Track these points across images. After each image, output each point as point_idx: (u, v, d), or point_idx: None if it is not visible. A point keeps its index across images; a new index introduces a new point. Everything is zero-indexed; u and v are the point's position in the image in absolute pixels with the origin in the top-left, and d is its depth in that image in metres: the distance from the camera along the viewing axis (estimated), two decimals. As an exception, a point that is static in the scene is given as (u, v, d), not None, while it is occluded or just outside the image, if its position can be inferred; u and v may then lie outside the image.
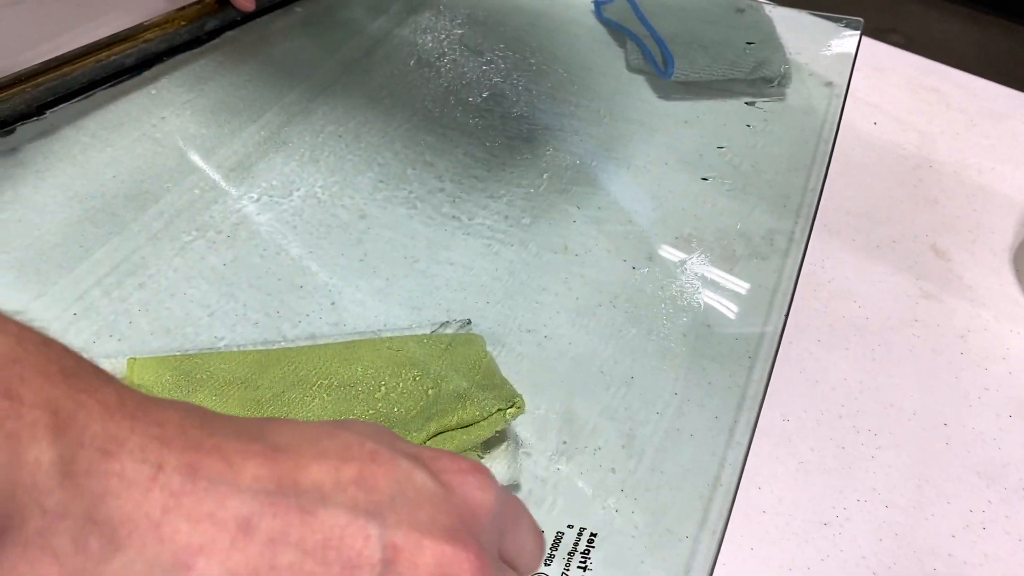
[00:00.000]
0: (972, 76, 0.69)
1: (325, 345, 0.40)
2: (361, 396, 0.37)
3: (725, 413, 0.42)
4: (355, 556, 0.18)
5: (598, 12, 0.69)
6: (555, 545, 0.36)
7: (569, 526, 0.36)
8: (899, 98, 0.66)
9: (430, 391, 0.37)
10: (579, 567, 0.35)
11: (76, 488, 0.16)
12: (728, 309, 0.47)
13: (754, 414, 0.41)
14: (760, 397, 0.42)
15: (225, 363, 0.38)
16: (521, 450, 0.38)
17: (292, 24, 0.63)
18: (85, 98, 0.52)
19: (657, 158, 0.56)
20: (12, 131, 0.49)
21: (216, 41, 0.59)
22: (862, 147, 0.61)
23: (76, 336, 0.41)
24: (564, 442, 0.40)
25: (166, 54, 0.56)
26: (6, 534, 0.15)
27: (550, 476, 0.38)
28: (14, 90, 0.49)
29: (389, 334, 0.42)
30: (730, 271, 0.49)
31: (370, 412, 0.36)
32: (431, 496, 0.20)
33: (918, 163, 0.60)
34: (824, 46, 0.65)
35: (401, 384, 0.38)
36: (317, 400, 0.37)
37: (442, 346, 0.40)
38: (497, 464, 0.37)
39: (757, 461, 0.40)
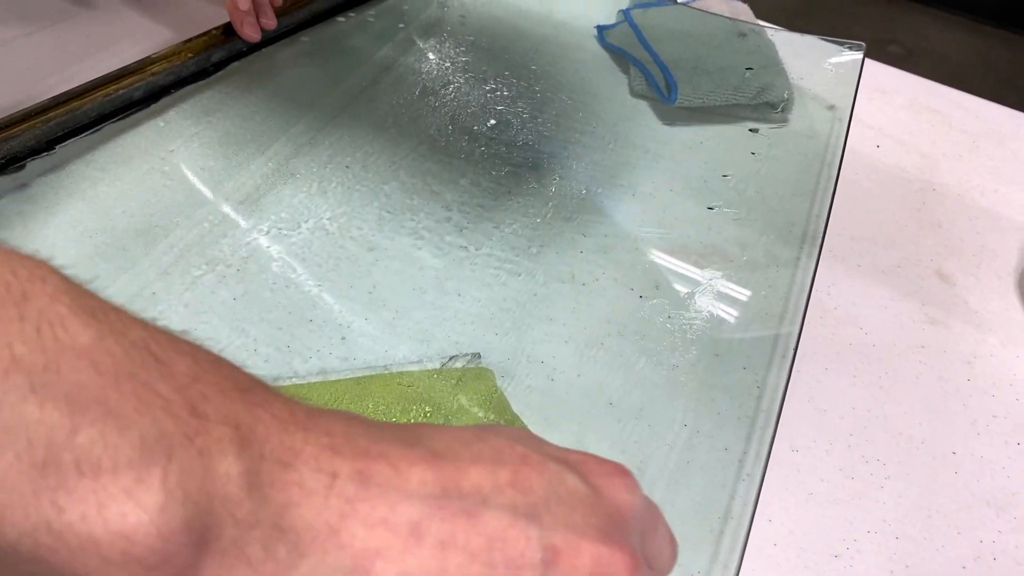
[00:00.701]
0: (974, 97, 0.69)
1: (336, 381, 0.40)
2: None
3: (735, 444, 0.42)
4: (518, 557, 0.19)
5: (601, 38, 0.69)
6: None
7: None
8: (902, 120, 0.66)
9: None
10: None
11: (262, 499, 0.18)
12: (736, 338, 0.47)
13: (765, 446, 0.41)
14: (771, 428, 0.42)
15: (237, 401, 0.38)
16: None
17: (298, 54, 0.63)
18: (94, 132, 0.53)
19: (663, 185, 0.56)
20: (23, 167, 0.49)
21: (223, 72, 0.60)
22: (866, 171, 0.61)
23: (88, 374, 0.41)
24: (575, 476, 0.40)
25: (174, 86, 0.57)
26: (207, 545, 0.16)
27: (562, 511, 0.38)
28: (24, 125, 0.49)
29: (399, 368, 0.42)
30: (737, 300, 0.49)
31: (382, 450, 0.37)
32: (583, 498, 0.21)
33: (922, 186, 0.60)
34: (826, 70, 0.66)
35: (412, 421, 0.38)
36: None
37: (453, 381, 0.40)
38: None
39: (767, 493, 0.40)
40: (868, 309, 0.51)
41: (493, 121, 0.60)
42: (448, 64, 0.64)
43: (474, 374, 0.41)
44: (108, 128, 0.53)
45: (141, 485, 0.16)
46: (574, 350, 0.45)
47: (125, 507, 0.16)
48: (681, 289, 0.49)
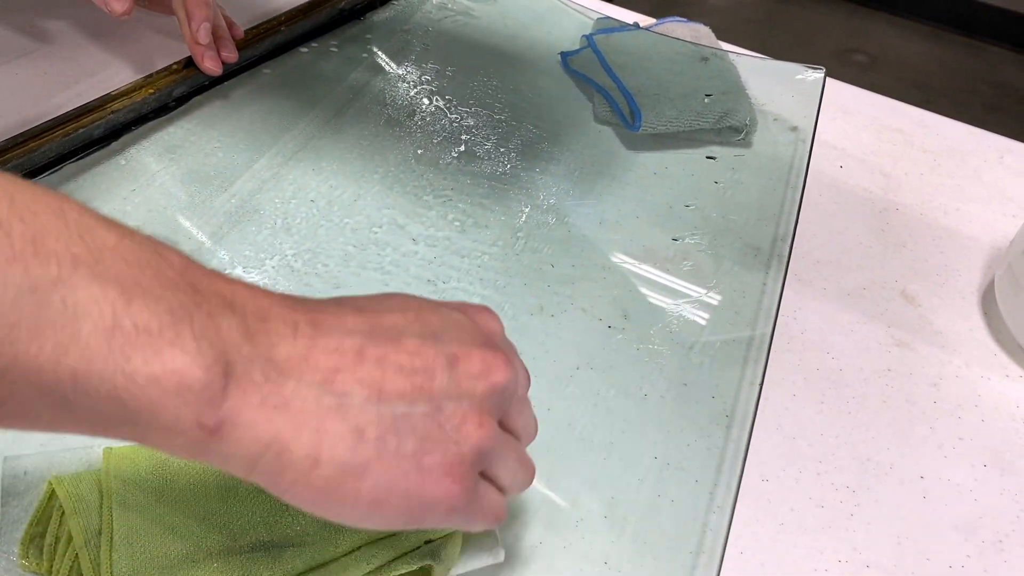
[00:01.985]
0: (935, 115, 0.70)
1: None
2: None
3: (705, 476, 0.42)
4: (430, 363, 0.28)
5: (564, 64, 0.69)
6: (540, 625, 0.35)
7: (554, 604, 0.36)
8: (864, 140, 0.67)
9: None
10: (565, 647, 0.35)
11: (254, 342, 0.25)
12: (704, 366, 0.47)
13: (735, 477, 0.42)
14: (741, 459, 0.42)
15: (202, 449, 0.38)
16: (500, 527, 0.38)
17: (261, 86, 0.63)
18: (53, 172, 0.52)
19: (629, 213, 0.57)
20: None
21: (184, 107, 0.59)
22: (829, 192, 0.62)
23: (49, 424, 0.40)
24: (546, 514, 0.40)
25: (135, 123, 0.56)
26: (228, 375, 0.24)
27: (533, 552, 0.38)
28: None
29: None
30: (704, 328, 0.49)
31: (350, 496, 0.36)
32: (466, 325, 0.30)
33: (885, 206, 0.61)
34: (788, 92, 0.66)
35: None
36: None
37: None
38: (479, 546, 0.37)
39: (738, 524, 0.40)
40: (835, 334, 0.51)
41: (459, 151, 0.60)
42: (412, 94, 0.64)
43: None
44: (68, 168, 0.53)
45: (180, 338, 0.23)
46: (543, 384, 0.45)
47: (173, 353, 0.23)
48: (649, 319, 0.49)
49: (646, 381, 0.46)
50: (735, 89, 0.64)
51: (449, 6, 0.75)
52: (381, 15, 0.73)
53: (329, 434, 0.26)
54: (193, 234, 0.51)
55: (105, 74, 0.61)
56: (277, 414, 0.25)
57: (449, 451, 0.28)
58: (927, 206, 0.61)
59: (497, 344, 0.31)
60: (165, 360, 0.23)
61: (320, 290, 0.48)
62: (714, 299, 0.51)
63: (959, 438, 0.46)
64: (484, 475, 0.30)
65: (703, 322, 0.50)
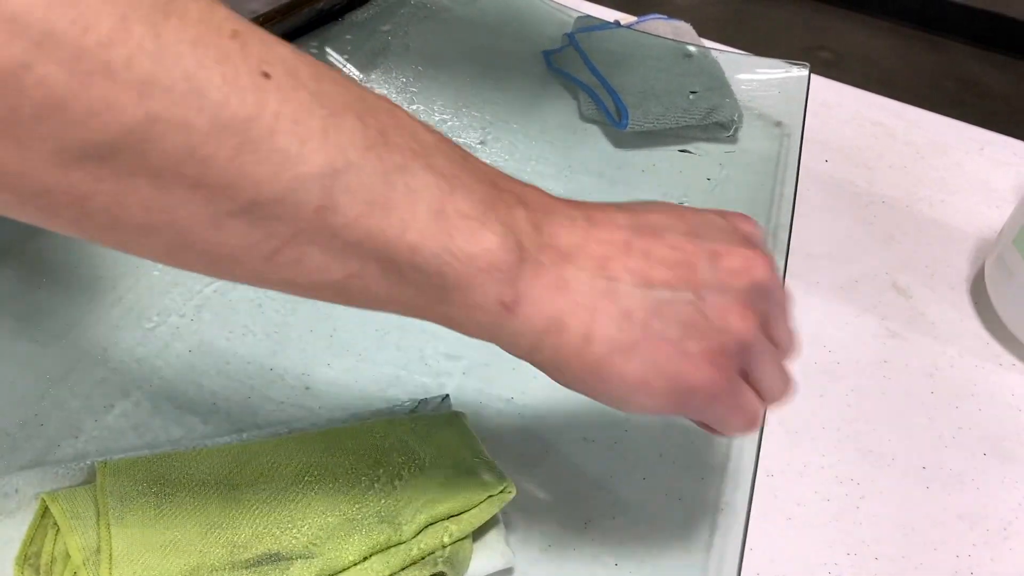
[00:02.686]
0: (915, 108, 0.71)
1: (303, 435, 0.39)
2: (346, 489, 0.36)
3: (710, 473, 0.42)
4: (691, 257, 0.30)
5: (547, 62, 0.69)
6: (555, 629, 0.35)
7: (567, 608, 0.36)
8: (847, 134, 0.67)
9: (417, 480, 0.36)
10: (581, 651, 0.34)
11: (540, 232, 0.28)
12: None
13: (742, 473, 0.41)
14: (752, 455, 0.42)
15: (200, 462, 0.37)
16: (510, 531, 0.38)
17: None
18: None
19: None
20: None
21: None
22: (816, 187, 0.62)
23: (38, 439, 0.39)
24: (553, 516, 0.39)
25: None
26: (522, 258, 0.27)
27: (541, 556, 0.38)
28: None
29: (370, 415, 0.41)
30: (702, 324, 0.49)
31: (356, 506, 0.35)
32: (725, 226, 0.32)
33: (871, 200, 0.61)
34: (772, 88, 0.66)
35: (385, 474, 0.37)
36: (300, 495, 0.36)
37: (425, 429, 0.39)
38: (490, 551, 0.36)
39: (752, 523, 0.40)
40: (830, 327, 0.51)
41: (446, 152, 0.59)
42: (395, 95, 0.63)
43: (445, 420, 0.40)
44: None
45: (489, 223, 0.27)
46: (542, 385, 0.45)
47: (485, 235, 0.27)
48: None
49: (646, 379, 0.46)
50: (720, 85, 0.64)
51: (428, 5, 0.74)
52: (360, 15, 0.72)
53: (601, 314, 0.28)
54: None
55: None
56: (559, 294, 0.28)
57: (712, 339, 0.29)
58: (912, 198, 0.62)
59: (757, 245, 0.32)
60: (480, 241, 0.27)
61: (317, 302, 0.47)
62: (709, 295, 0.51)
63: (958, 427, 0.46)
64: (743, 376, 0.31)
65: (700, 318, 0.49)
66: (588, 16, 0.73)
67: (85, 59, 0.20)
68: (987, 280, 0.53)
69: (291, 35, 0.67)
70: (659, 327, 0.29)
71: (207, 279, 0.47)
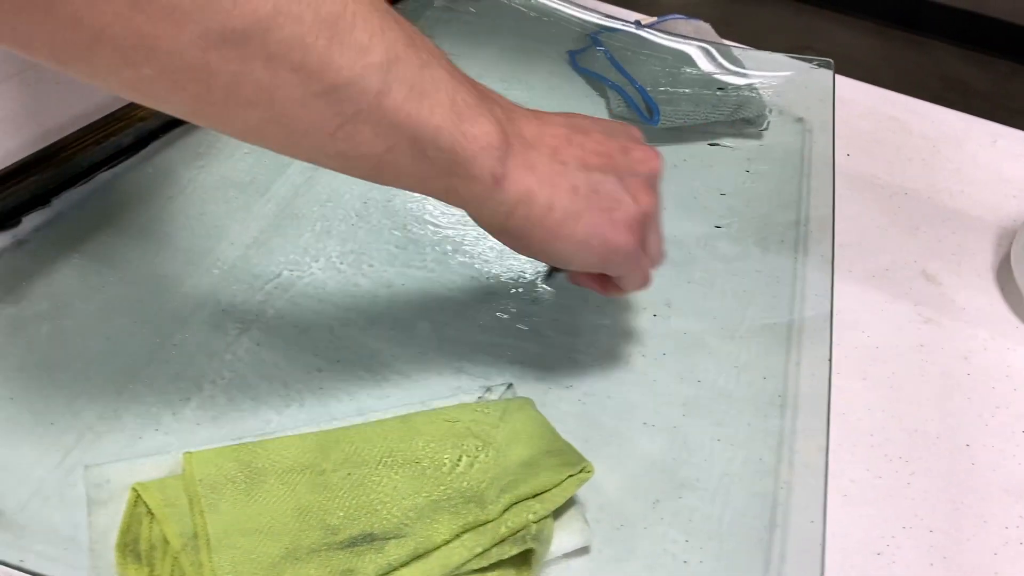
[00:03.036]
0: (927, 103, 0.73)
1: (380, 422, 0.40)
2: (428, 472, 0.37)
3: (767, 454, 0.43)
4: (612, 149, 0.39)
5: (573, 62, 0.70)
6: (636, 603, 0.36)
7: (646, 582, 0.37)
8: (865, 129, 0.69)
9: (496, 462, 0.38)
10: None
11: (512, 125, 0.36)
12: (751, 351, 0.48)
13: (796, 453, 0.43)
14: (820, 437, 0.43)
15: (285, 449, 0.38)
16: (586, 512, 0.39)
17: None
18: (86, 182, 0.51)
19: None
20: (18, 222, 0.48)
21: (208, 114, 0.59)
22: (841, 179, 0.63)
23: (119, 432, 0.40)
24: (623, 497, 0.40)
25: (161, 130, 0.56)
26: (509, 145, 0.35)
27: (616, 535, 0.39)
28: (19, 179, 0.48)
29: (438, 403, 0.42)
30: (746, 314, 0.51)
31: (441, 488, 0.37)
32: (625, 131, 0.42)
33: (893, 191, 0.63)
34: (796, 85, 0.68)
35: (465, 457, 0.38)
36: (386, 479, 0.37)
37: (497, 413, 0.40)
38: (569, 529, 0.37)
39: (806, 499, 0.42)
40: (866, 313, 0.53)
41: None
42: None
43: (516, 405, 0.41)
44: (101, 176, 0.52)
45: (486, 113, 0.34)
46: (600, 373, 0.46)
47: (484, 121, 0.34)
48: (690, 306, 0.51)
49: (697, 366, 0.47)
50: (745, 82, 0.66)
51: (452, 8, 0.75)
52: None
53: (558, 188, 0.36)
54: (236, 239, 0.50)
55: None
56: (529, 173, 0.35)
57: (630, 210, 0.38)
58: (933, 190, 0.64)
59: (647, 145, 0.42)
60: (482, 125, 0.34)
61: (369, 289, 0.49)
62: (749, 285, 0.53)
63: (996, 407, 0.48)
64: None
65: (743, 307, 0.51)
66: (610, 16, 0.75)
67: None
68: (1013, 267, 0.55)
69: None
70: (596, 200, 0.37)
71: (266, 276, 0.48)
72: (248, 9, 0.26)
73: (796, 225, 0.58)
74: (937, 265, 0.57)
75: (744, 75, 0.67)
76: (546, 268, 0.50)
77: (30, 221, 0.49)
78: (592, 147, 0.38)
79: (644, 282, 0.43)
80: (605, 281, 0.42)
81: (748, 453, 0.43)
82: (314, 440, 0.39)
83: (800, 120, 0.67)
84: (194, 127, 0.58)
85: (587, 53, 0.70)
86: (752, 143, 0.64)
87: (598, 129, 0.40)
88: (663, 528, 0.39)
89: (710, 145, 0.63)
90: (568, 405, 0.44)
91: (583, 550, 0.38)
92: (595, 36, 0.71)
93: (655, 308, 0.50)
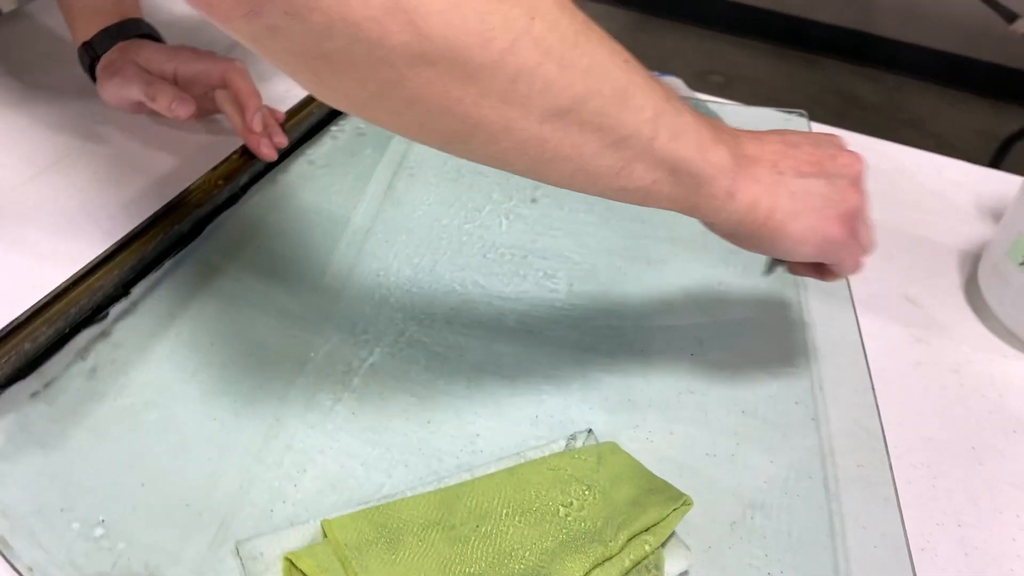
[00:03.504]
0: (878, 139, 0.82)
1: (491, 476, 0.44)
2: (547, 518, 0.42)
3: (815, 471, 0.50)
4: (821, 159, 0.46)
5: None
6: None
7: (743, 595, 0.42)
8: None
9: (604, 503, 0.43)
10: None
11: (738, 147, 0.43)
12: (779, 379, 0.55)
13: (836, 468, 0.49)
14: (884, 453, 0.49)
15: (413, 509, 0.42)
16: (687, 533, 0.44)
17: (310, 165, 0.67)
18: (157, 270, 0.54)
19: (668, 250, 0.64)
20: (105, 315, 0.50)
21: (250, 194, 0.62)
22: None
23: (252, 507, 0.43)
24: (704, 522, 0.46)
25: (212, 215, 0.59)
26: (739, 167, 0.43)
27: (706, 556, 0.44)
28: (102, 272, 0.50)
29: (532, 453, 0.47)
30: (768, 345, 0.57)
31: (563, 532, 0.41)
32: (832, 141, 0.48)
33: (865, 224, 0.71)
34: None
35: (575, 501, 0.43)
36: (512, 528, 0.41)
37: (594, 459, 0.45)
38: (673, 555, 0.43)
39: (854, 506, 0.48)
40: (864, 338, 0.60)
41: (516, 201, 0.65)
42: (441, 163, 0.69)
43: (608, 448, 0.46)
44: (167, 265, 0.55)
45: (718, 144, 0.42)
46: (659, 413, 0.52)
47: (721, 150, 0.42)
48: (721, 341, 0.57)
49: (739, 397, 0.53)
50: (727, 134, 0.73)
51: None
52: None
53: (778, 195, 0.44)
54: (301, 315, 0.54)
55: (180, 169, 0.63)
56: (755, 184, 0.43)
57: (841, 207, 0.46)
58: (897, 220, 0.72)
59: (853, 151, 0.49)
60: (717, 152, 0.42)
61: (440, 352, 0.53)
62: (765, 319, 0.59)
63: (989, 412, 0.56)
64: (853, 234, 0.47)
65: (766, 341, 0.57)
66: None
67: (562, 59, 0.35)
68: (983, 288, 0.63)
69: (339, 111, 0.72)
70: (810, 201, 0.45)
71: (348, 346, 0.52)
72: (568, 91, 0.35)
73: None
74: (916, 289, 0.65)
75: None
76: (767, 262, 0.55)
77: (114, 312, 0.51)
78: (804, 157, 0.45)
79: (856, 267, 0.50)
80: (822, 268, 0.50)
81: (799, 471, 0.49)
82: (436, 498, 0.43)
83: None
84: (241, 207, 0.61)
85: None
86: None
87: (808, 142, 0.47)
88: (744, 546, 0.45)
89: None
90: (638, 444, 0.49)
91: (684, 573, 0.43)
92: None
93: (692, 348, 0.56)
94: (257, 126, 0.62)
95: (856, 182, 0.47)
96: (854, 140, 0.80)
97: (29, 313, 0.46)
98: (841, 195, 0.46)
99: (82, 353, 0.49)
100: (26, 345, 0.45)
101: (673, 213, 0.44)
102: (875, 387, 0.56)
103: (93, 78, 0.66)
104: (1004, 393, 0.57)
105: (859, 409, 0.54)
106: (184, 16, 0.80)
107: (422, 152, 0.70)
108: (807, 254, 0.47)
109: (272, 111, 0.65)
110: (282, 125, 0.65)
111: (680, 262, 0.63)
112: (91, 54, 0.65)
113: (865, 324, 0.61)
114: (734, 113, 0.76)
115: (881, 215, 0.71)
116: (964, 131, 2.72)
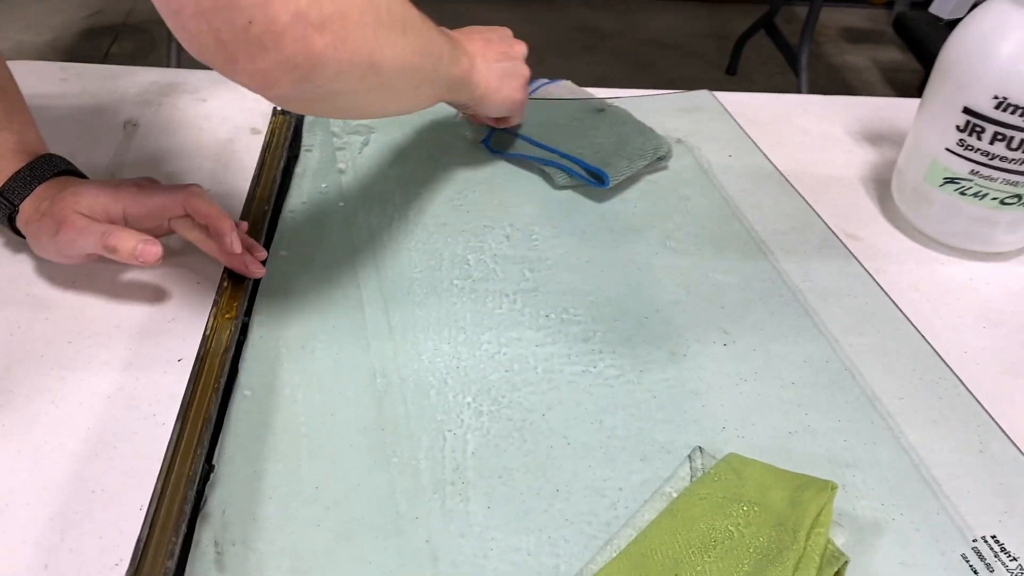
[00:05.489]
0: (753, 94, 0.90)
1: (657, 522, 0.47)
2: (728, 543, 0.46)
3: (875, 422, 0.56)
4: (507, 47, 0.69)
5: (489, 149, 0.77)
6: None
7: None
8: (724, 132, 0.84)
9: (765, 511, 0.47)
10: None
11: (468, 52, 0.65)
12: (787, 339, 0.61)
13: (892, 407, 0.57)
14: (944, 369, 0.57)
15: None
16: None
17: (283, 263, 0.64)
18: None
19: (650, 252, 0.68)
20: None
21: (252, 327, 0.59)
22: (741, 178, 0.78)
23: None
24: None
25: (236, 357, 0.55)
26: (473, 65, 0.65)
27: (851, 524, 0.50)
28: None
29: (668, 489, 0.50)
30: (765, 312, 0.63)
31: (749, 551, 0.45)
32: (510, 34, 0.72)
33: (778, 175, 0.79)
34: (676, 115, 0.81)
35: (741, 520, 0.47)
36: (708, 565, 0.45)
37: (732, 475, 0.49)
38: (836, 535, 0.48)
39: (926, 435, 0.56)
40: (828, 277, 0.67)
41: (472, 258, 0.67)
42: (385, 227, 0.69)
43: (737, 461, 0.50)
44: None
45: (464, 58, 0.63)
46: (731, 410, 0.56)
47: (465, 60, 0.63)
48: (743, 322, 0.62)
49: (783, 372, 0.59)
50: (643, 127, 0.78)
51: (342, 145, 0.79)
52: (305, 164, 0.75)
53: (490, 78, 0.66)
54: (377, 440, 0.53)
55: (188, 321, 0.58)
56: (482, 75, 0.66)
57: (520, 79, 0.70)
58: (801, 164, 0.80)
59: (516, 39, 0.71)
60: (466, 62, 0.63)
61: (532, 421, 0.54)
62: (755, 287, 0.65)
63: (955, 313, 0.65)
64: None
65: (763, 312, 0.64)
66: (489, 98, 0.82)
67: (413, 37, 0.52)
68: (904, 210, 0.73)
69: (281, 193, 0.69)
70: (506, 78, 0.68)
71: (461, 447, 0.52)
72: (414, 59, 0.53)
73: (741, 227, 0.71)
74: (852, 225, 0.74)
75: (637, 121, 0.79)
76: (488, 133, 0.78)
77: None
78: (497, 48, 0.68)
79: (523, 114, 0.75)
80: (503, 120, 0.75)
81: (860, 430, 0.56)
82: (626, 563, 0.45)
83: (679, 141, 0.81)
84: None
85: (496, 137, 0.78)
86: (665, 173, 0.77)
87: (497, 36, 0.69)
88: (864, 502, 0.51)
89: (639, 184, 0.75)
90: (741, 446, 0.54)
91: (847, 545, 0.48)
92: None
93: (721, 339, 0.61)
94: (238, 247, 0.58)
95: (523, 59, 0.70)
96: (725, 98, 0.88)
97: None
98: (519, 70, 0.69)
99: None
100: None
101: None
102: (868, 324, 0.64)
103: (13, 230, 0.59)
104: (951, 291, 0.68)
105: (862, 350, 0.62)
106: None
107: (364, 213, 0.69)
108: (503, 111, 0.71)
109: (237, 223, 0.62)
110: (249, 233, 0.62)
111: (671, 264, 0.68)
112: (7, 206, 0.58)
113: (829, 266, 0.69)
114: (638, 105, 0.81)
115: (785, 163, 0.80)
116: (699, 39, 2.97)
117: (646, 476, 0.52)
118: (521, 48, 0.70)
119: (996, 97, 0.63)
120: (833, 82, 2.70)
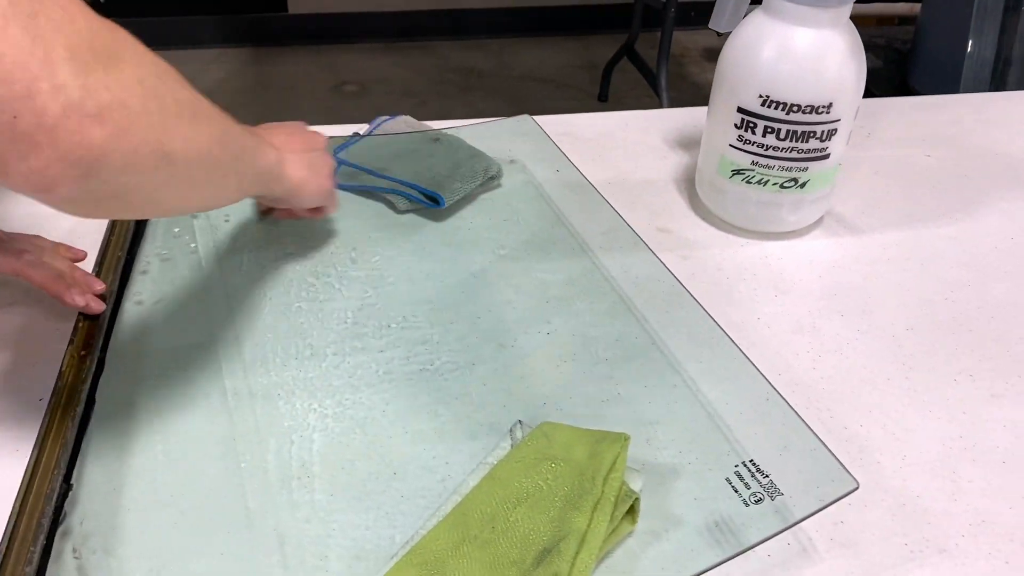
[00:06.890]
0: (583, 115, 0.99)
1: (478, 486, 0.54)
2: (539, 495, 0.52)
3: (670, 373, 0.65)
4: (307, 140, 0.70)
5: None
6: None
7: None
8: (549, 151, 0.93)
9: (569, 466, 0.54)
10: (710, 499, 0.55)
11: (271, 144, 0.62)
12: (616, 324, 0.69)
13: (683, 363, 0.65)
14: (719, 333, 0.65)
15: (437, 538, 0.51)
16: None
17: (142, 304, 0.69)
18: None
19: (491, 259, 0.76)
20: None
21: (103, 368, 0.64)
22: (566, 190, 0.86)
23: (304, 606, 0.49)
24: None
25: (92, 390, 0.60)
26: (280, 158, 0.63)
27: (648, 468, 0.57)
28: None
29: (490, 459, 0.57)
30: (591, 307, 0.71)
31: (555, 499, 0.52)
32: (305, 127, 0.74)
33: (597, 186, 0.87)
34: (505, 139, 0.89)
35: (550, 475, 0.54)
36: (519, 516, 0.51)
37: (543, 439, 0.56)
38: (632, 479, 0.55)
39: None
40: (651, 268, 0.76)
41: (353, 312, 0.73)
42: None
43: (548, 427, 0.57)
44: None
45: (271, 150, 0.61)
46: (552, 387, 0.64)
47: (272, 152, 0.61)
48: (564, 312, 0.70)
49: (598, 352, 0.67)
50: (475, 151, 0.86)
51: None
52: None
53: (298, 168, 0.65)
54: (204, 439, 0.58)
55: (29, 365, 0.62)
56: (288, 166, 0.64)
57: (326, 169, 0.71)
58: (619, 172, 0.90)
59: (315, 132, 0.74)
60: (272, 156, 0.61)
61: (374, 418, 0.60)
62: (583, 283, 0.73)
63: (744, 280, 0.75)
64: None
65: (586, 302, 0.71)
66: (333, 136, 0.89)
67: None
68: (705, 201, 0.82)
69: (134, 244, 0.73)
70: (314, 168, 0.68)
71: (308, 441, 0.58)
72: (213, 152, 0.50)
73: (572, 236, 0.79)
74: (664, 220, 0.83)
75: (469, 146, 0.86)
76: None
77: (64, 512, 0.52)
78: (300, 140, 0.68)
79: (336, 205, 0.75)
80: (319, 211, 0.74)
81: (663, 393, 0.64)
82: (450, 522, 0.52)
83: (513, 162, 0.89)
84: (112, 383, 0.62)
85: (340, 171, 0.84)
86: (498, 191, 0.85)
87: (295, 130, 0.71)
88: (657, 451, 0.59)
89: (477, 203, 0.82)
90: (556, 416, 0.61)
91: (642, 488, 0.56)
92: (335, 155, 0.85)
93: (544, 328, 0.69)
94: (81, 302, 0.63)
95: (326, 149, 0.72)
96: (573, 119, 0.97)
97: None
98: (324, 160, 0.70)
99: None
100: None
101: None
102: (674, 307, 0.72)
103: None
104: (751, 269, 0.77)
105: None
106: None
107: (239, 259, 0.75)
108: (317, 200, 0.70)
109: (72, 254, 0.67)
110: (100, 266, 0.67)
111: (504, 269, 0.75)
112: None
113: (642, 258, 0.77)
114: (472, 133, 0.89)
115: (604, 173, 0.89)
116: (570, 70, 3.11)
117: (474, 451, 0.58)
118: (322, 139, 0.71)
119: (761, 96, 0.73)
120: (697, 98, 2.86)
